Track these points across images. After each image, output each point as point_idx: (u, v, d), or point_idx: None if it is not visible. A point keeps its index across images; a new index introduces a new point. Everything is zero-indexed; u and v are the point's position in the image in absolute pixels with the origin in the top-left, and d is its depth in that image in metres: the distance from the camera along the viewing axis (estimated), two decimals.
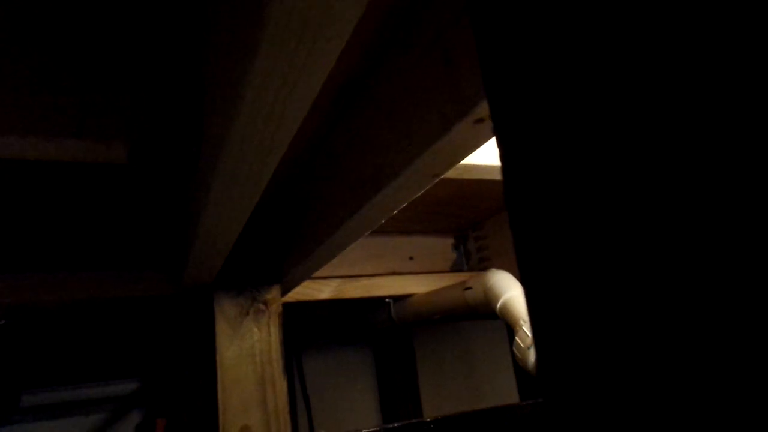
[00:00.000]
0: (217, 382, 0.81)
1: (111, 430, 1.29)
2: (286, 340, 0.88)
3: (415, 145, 0.44)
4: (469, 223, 1.23)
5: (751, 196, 0.10)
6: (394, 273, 1.17)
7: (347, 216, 0.58)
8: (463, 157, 0.44)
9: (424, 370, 1.61)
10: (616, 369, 0.13)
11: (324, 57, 0.29)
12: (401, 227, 1.18)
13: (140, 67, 0.48)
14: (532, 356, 0.79)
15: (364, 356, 1.60)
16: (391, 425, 0.80)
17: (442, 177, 0.48)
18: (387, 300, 1.23)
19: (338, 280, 1.09)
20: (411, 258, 1.21)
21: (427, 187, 0.50)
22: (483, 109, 0.36)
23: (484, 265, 1.19)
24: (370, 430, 0.82)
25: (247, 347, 0.83)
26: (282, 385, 0.84)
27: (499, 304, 0.90)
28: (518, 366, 0.84)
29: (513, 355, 0.84)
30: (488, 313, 0.95)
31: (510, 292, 0.89)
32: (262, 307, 0.86)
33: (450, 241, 1.28)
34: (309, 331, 1.50)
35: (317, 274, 0.92)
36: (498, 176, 0.18)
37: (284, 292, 0.92)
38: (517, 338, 0.82)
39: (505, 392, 1.66)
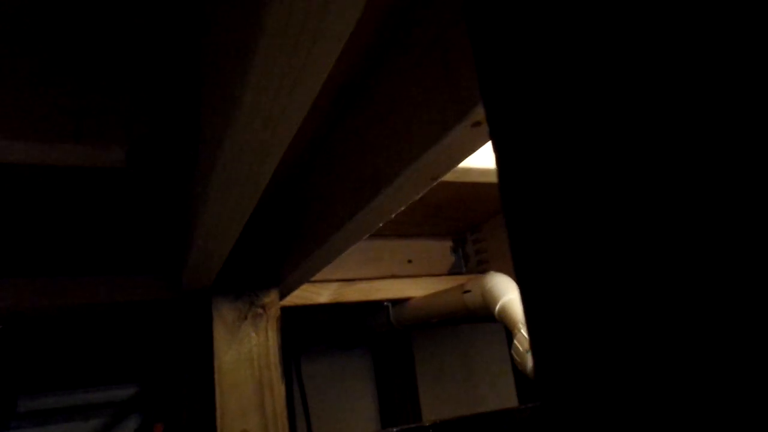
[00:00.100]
0: (215, 387, 0.80)
1: None
2: (285, 344, 0.88)
3: (414, 147, 0.44)
4: (468, 225, 1.23)
5: (740, 197, 0.10)
6: (392, 276, 1.16)
7: (346, 218, 0.58)
8: (462, 160, 0.45)
9: (423, 374, 1.60)
10: (612, 372, 0.13)
11: (322, 58, 0.29)
12: (400, 230, 1.18)
13: (137, 70, 0.48)
14: (530, 360, 0.79)
15: (362, 360, 1.59)
16: (390, 429, 0.79)
17: (440, 180, 0.48)
18: (386, 303, 1.23)
19: (337, 284, 1.09)
20: (410, 261, 1.21)
21: (426, 190, 0.50)
22: (481, 112, 0.36)
23: (483, 267, 1.19)
24: None
25: (245, 351, 0.83)
26: (280, 389, 0.84)
27: (497, 308, 0.89)
28: (517, 369, 0.83)
29: (512, 358, 0.84)
30: (487, 317, 0.94)
31: (508, 295, 0.89)
32: (260, 311, 0.86)
33: (448, 243, 1.28)
34: (307, 335, 1.50)
35: (315, 277, 0.92)
36: (495, 179, 0.18)
37: (282, 296, 0.92)
38: (515, 341, 0.82)
39: (505, 396, 1.66)
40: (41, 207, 0.79)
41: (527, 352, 0.79)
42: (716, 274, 0.11)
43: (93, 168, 0.58)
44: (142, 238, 0.90)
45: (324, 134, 0.65)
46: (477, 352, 1.71)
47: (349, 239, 0.64)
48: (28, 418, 1.21)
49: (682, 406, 0.12)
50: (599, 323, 0.14)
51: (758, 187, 0.10)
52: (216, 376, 0.81)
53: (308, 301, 1.05)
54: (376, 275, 1.15)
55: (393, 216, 0.56)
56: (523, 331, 0.82)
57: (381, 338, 1.56)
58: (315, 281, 1.05)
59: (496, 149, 0.18)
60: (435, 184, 0.48)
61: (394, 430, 0.77)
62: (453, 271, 1.25)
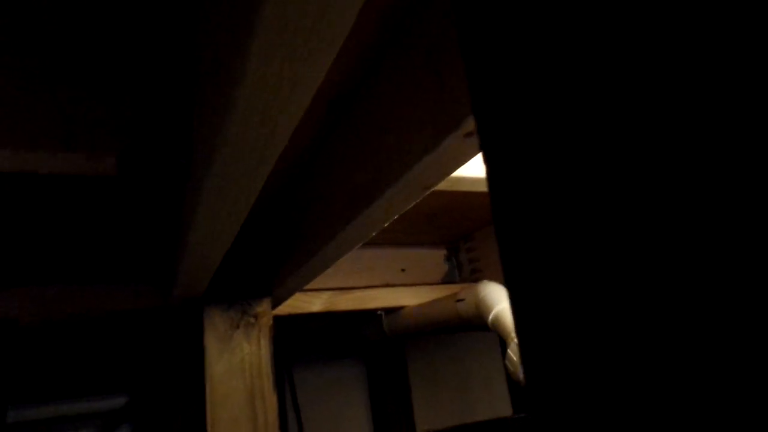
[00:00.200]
0: (206, 397, 0.80)
1: None
2: (277, 353, 0.88)
3: (406, 157, 0.44)
4: (461, 234, 1.23)
5: (730, 208, 0.10)
6: (386, 285, 1.16)
7: (339, 227, 0.57)
8: (454, 170, 0.45)
9: (416, 383, 1.59)
10: (603, 381, 0.13)
11: (315, 69, 0.29)
12: (393, 239, 1.18)
13: (129, 77, 0.48)
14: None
15: (356, 369, 1.58)
16: None
17: (433, 189, 0.48)
18: (379, 312, 1.23)
19: (330, 293, 1.08)
20: (403, 270, 1.21)
21: (419, 199, 0.50)
22: (472, 122, 0.36)
23: (476, 276, 1.19)
24: None
25: (237, 361, 0.82)
26: (272, 399, 0.83)
27: (491, 317, 0.89)
28: (511, 379, 0.83)
29: (505, 367, 0.83)
30: (480, 326, 0.94)
31: (502, 304, 0.89)
32: (252, 320, 0.85)
33: (442, 252, 1.28)
34: (300, 345, 1.49)
35: (308, 286, 0.92)
36: (486, 188, 0.18)
37: (275, 305, 0.91)
38: (509, 351, 0.82)
39: (499, 405, 1.66)
40: (30, 216, 0.78)
41: (521, 361, 0.79)
42: (703, 283, 0.11)
43: (84, 177, 0.58)
44: (134, 247, 0.89)
45: (317, 144, 0.65)
46: (471, 362, 1.70)
47: (342, 248, 0.64)
48: (18, 429, 1.20)
49: (673, 417, 0.12)
50: (589, 333, 0.14)
51: (747, 191, 0.10)
52: (207, 386, 0.80)
53: (301, 311, 1.05)
54: (369, 284, 1.15)
55: (386, 225, 0.56)
56: (517, 340, 0.82)
57: (374, 347, 1.55)
58: (308, 290, 1.05)
59: (487, 159, 0.18)
60: (427, 193, 0.49)
61: None
62: (446, 280, 1.25)
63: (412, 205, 0.51)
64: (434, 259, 1.26)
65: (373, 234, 0.59)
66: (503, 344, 0.86)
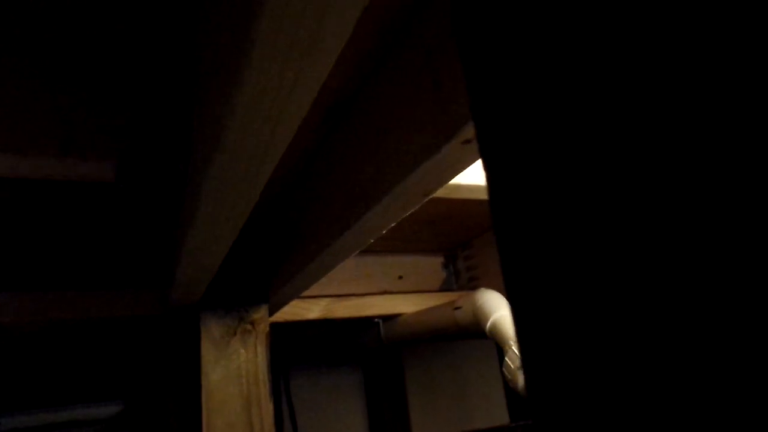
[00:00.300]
0: (202, 404, 0.79)
1: None
2: (274, 360, 0.87)
3: (404, 163, 0.44)
4: (459, 241, 1.23)
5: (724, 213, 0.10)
6: (383, 292, 1.16)
7: (337, 234, 0.57)
8: (452, 177, 0.45)
9: (413, 391, 1.59)
10: (605, 389, 0.13)
11: (316, 69, 0.29)
12: (391, 246, 1.18)
13: (127, 84, 0.48)
14: (521, 377, 0.78)
15: (353, 377, 1.58)
16: None
17: (432, 196, 0.48)
18: (376, 320, 1.22)
19: (327, 300, 1.08)
20: (400, 277, 1.20)
21: (417, 206, 0.50)
22: (471, 129, 0.36)
23: (474, 284, 1.19)
24: None
25: (234, 368, 0.82)
26: (269, 407, 0.82)
27: (488, 325, 0.89)
28: (509, 387, 0.83)
29: (503, 375, 0.83)
30: (478, 333, 0.94)
31: (499, 311, 0.89)
32: (249, 327, 0.85)
33: (439, 260, 1.27)
34: (297, 352, 1.48)
35: (306, 293, 0.91)
36: (485, 196, 0.18)
37: (272, 312, 0.91)
38: (506, 359, 0.82)
39: (496, 413, 1.65)
40: (25, 221, 0.78)
41: (518, 369, 0.79)
42: (702, 290, 0.11)
43: (81, 183, 0.58)
44: (130, 253, 0.89)
45: (314, 150, 0.65)
46: (468, 369, 1.70)
47: (339, 255, 0.64)
48: None
49: (675, 425, 0.11)
50: (591, 341, 0.14)
51: (743, 192, 0.10)
52: (203, 393, 0.79)
53: (298, 317, 1.04)
54: (366, 291, 1.14)
55: (384, 232, 0.56)
56: (515, 348, 0.82)
57: (371, 355, 1.55)
58: (305, 297, 1.04)
59: (486, 167, 0.18)
60: (426, 200, 0.49)
61: None
62: (444, 288, 1.25)
63: (411, 212, 0.51)
64: (432, 266, 1.26)
65: (371, 241, 0.59)
66: (501, 352, 0.86)
